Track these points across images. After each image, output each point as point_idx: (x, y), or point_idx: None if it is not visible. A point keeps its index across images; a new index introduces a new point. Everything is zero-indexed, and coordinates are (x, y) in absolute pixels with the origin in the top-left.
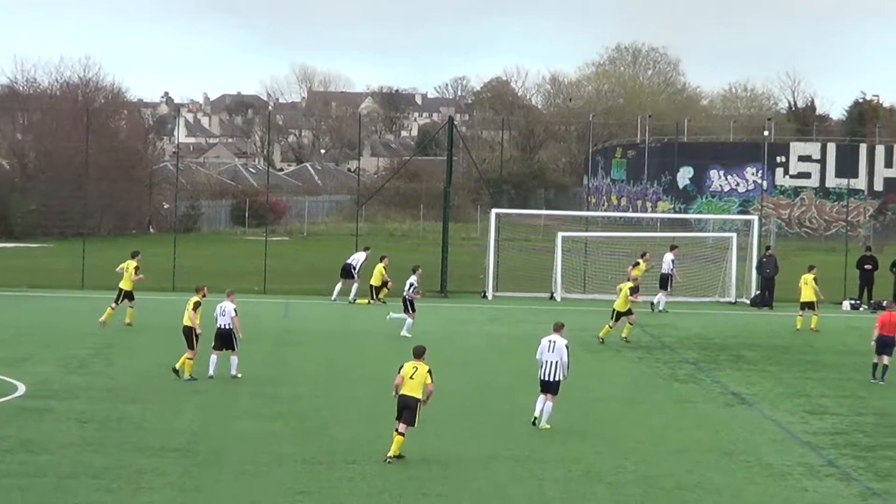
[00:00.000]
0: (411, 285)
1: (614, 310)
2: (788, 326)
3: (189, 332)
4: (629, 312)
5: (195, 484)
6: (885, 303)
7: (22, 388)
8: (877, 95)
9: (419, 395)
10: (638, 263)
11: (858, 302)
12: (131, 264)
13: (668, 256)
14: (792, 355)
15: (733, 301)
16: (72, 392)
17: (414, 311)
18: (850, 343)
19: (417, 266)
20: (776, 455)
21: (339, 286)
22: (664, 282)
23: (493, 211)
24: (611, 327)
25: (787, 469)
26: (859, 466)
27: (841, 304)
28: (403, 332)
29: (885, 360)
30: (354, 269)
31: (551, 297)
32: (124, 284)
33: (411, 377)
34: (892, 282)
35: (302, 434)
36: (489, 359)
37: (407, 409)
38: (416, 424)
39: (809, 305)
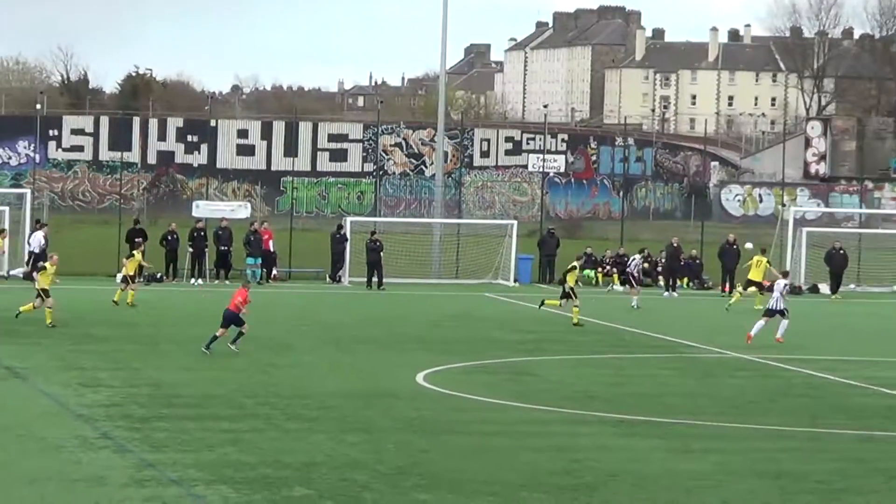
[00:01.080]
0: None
1: None
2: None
3: None
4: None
5: None
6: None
7: None
8: (150, 69)
9: None
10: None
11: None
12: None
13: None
14: (66, 329)
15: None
16: None
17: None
18: (126, 316)
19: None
20: (50, 429)
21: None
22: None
23: None
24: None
25: (60, 442)
26: (134, 438)
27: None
28: None
29: (220, 331)
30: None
31: None
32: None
33: None
34: (165, 254)
35: None
36: None
37: None
38: None
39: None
